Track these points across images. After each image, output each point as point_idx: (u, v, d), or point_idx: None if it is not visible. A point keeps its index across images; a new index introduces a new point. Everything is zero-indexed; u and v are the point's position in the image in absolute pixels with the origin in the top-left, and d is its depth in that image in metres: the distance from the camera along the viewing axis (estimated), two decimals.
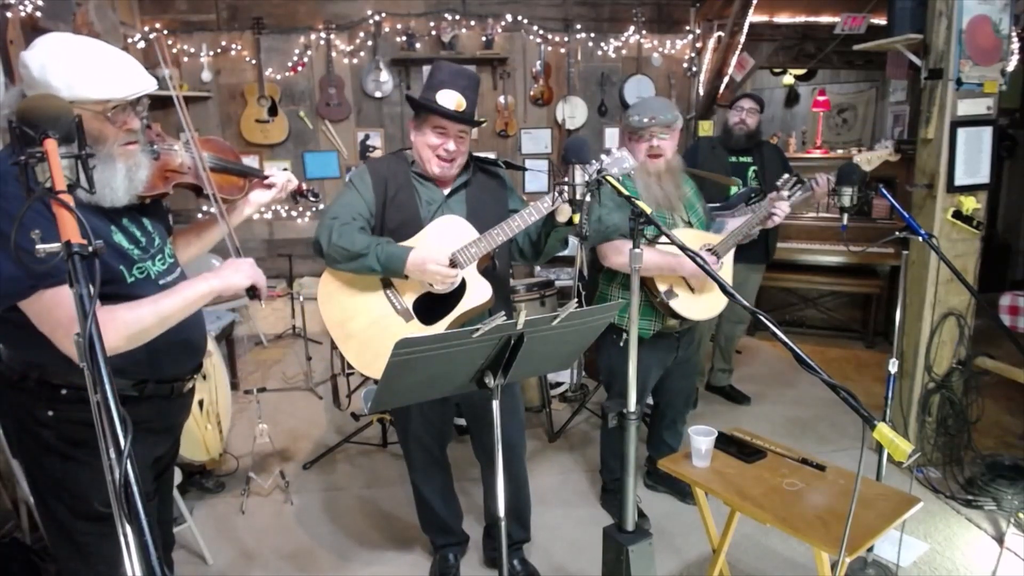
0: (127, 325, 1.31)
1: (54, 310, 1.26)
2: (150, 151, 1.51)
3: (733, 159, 3.59)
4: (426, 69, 5.28)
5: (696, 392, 3.91)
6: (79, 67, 1.31)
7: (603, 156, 1.84)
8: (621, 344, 2.51)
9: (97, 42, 1.38)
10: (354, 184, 2.07)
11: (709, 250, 2.45)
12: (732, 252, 2.52)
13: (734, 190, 3.46)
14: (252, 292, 1.50)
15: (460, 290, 1.96)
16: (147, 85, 1.40)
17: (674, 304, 2.39)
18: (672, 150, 2.48)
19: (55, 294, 1.25)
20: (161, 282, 1.50)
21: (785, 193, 2.47)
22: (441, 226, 2.00)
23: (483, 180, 2.16)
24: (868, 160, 2.75)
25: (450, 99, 1.96)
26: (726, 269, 2.51)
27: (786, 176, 2.54)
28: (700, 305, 2.45)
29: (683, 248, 1.63)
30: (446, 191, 2.09)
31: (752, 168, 3.56)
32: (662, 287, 2.39)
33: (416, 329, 1.96)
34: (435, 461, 2.34)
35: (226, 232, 1.67)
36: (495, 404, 1.49)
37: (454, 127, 1.98)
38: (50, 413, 1.39)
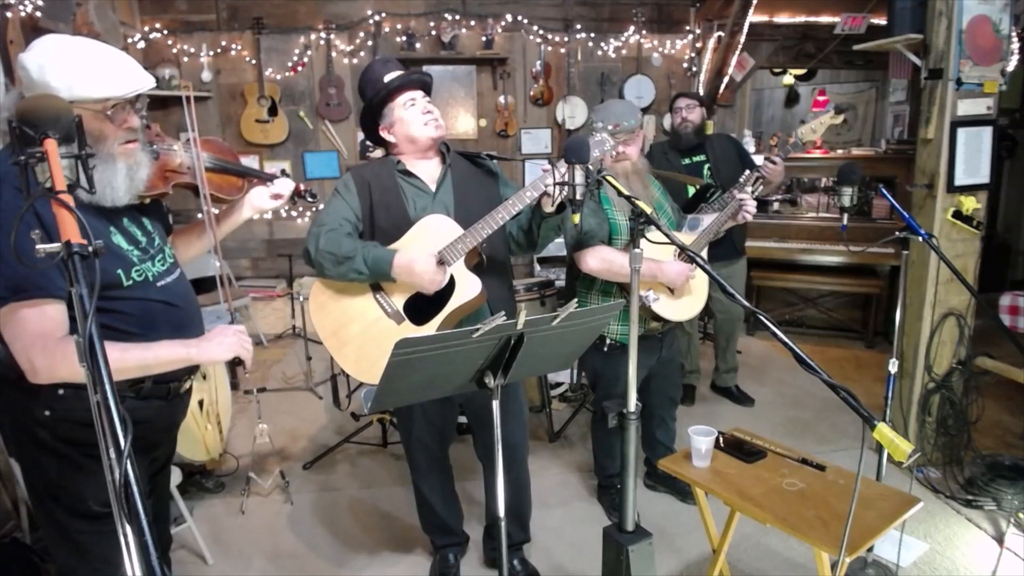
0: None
1: (20, 325, 1.27)
2: (150, 151, 1.52)
3: (687, 160, 3.58)
4: (426, 69, 5.29)
5: (693, 391, 3.92)
6: (78, 67, 1.31)
7: (587, 140, 1.84)
8: (605, 349, 2.54)
9: (94, 42, 1.38)
10: (339, 192, 2.09)
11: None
12: (705, 252, 2.54)
13: (691, 191, 3.46)
14: (236, 361, 1.51)
15: (449, 287, 1.96)
16: (145, 83, 1.41)
17: (655, 307, 2.40)
18: (636, 153, 2.52)
19: (23, 309, 1.26)
20: (159, 283, 1.50)
21: (749, 189, 2.50)
22: (425, 225, 2.00)
23: (469, 171, 2.16)
24: (812, 129, 2.76)
25: (393, 76, 2.04)
26: (702, 271, 2.52)
27: (748, 173, 2.57)
28: (679, 306, 2.47)
29: (683, 248, 1.63)
30: (433, 186, 2.09)
31: (707, 166, 3.56)
32: (642, 291, 2.39)
33: (409, 330, 1.96)
34: (437, 462, 2.34)
35: (212, 242, 1.68)
36: (495, 404, 1.49)
37: (417, 93, 2.05)
38: (47, 413, 1.39)
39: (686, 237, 2.50)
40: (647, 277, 2.38)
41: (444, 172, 2.11)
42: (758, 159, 4.34)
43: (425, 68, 5.28)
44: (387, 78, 2.03)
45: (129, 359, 1.35)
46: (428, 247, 1.95)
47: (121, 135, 1.40)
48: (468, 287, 1.96)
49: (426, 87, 2.10)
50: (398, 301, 2.00)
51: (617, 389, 2.55)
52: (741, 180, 2.59)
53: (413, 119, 2.04)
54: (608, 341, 2.53)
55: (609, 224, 2.46)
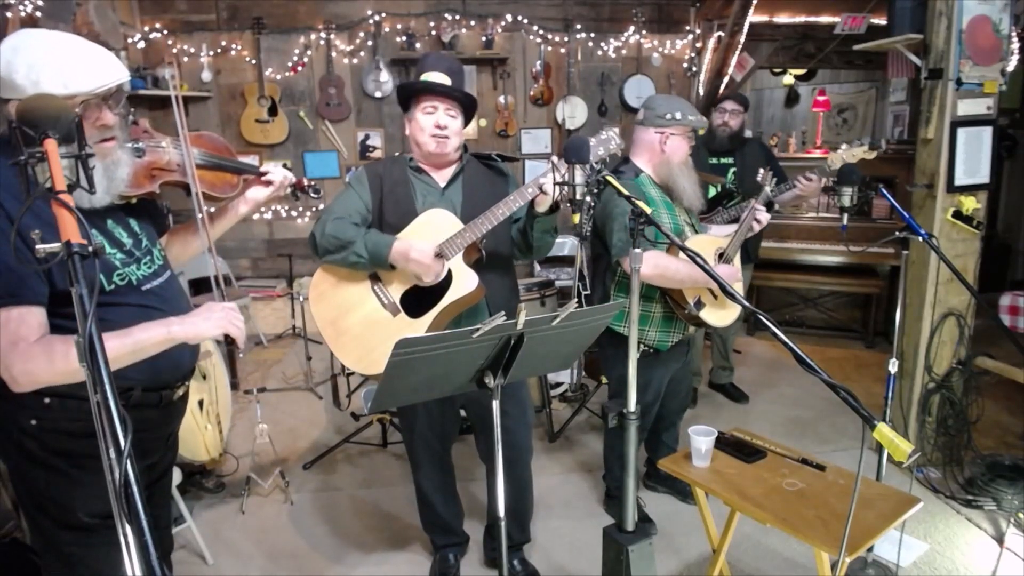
0: (64, 359, 1.23)
1: None
2: (134, 149, 1.46)
3: (714, 160, 3.60)
4: None
5: (695, 392, 3.91)
6: (43, 62, 1.25)
7: (591, 139, 1.82)
8: (639, 356, 2.45)
9: (65, 36, 1.32)
10: (351, 185, 2.13)
11: (721, 255, 2.45)
12: (739, 256, 2.52)
13: (712, 191, 3.47)
14: (227, 339, 1.42)
15: (447, 282, 1.97)
16: (116, 77, 1.33)
17: (703, 315, 2.34)
18: None
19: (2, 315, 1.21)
20: (145, 287, 1.45)
21: (768, 188, 2.52)
22: (427, 219, 2.02)
23: (480, 171, 2.18)
24: (843, 159, 2.76)
25: (434, 78, 2.04)
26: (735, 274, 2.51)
27: (761, 173, 2.55)
28: (723, 312, 2.42)
29: (682, 248, 1.63)
30: (443, 183, 2.11)
31: (732, 170, 3.57)
32: (690, 298, 2.34)
33: (404, 323, 1.98)
34: (438, 461, 2.34)
35: (206, 243, 1.63)
36: (494, 404, 1.50)
37: (442, 104, 2.03)
38: (33, 422, 1.35)
39: (725, 242, 2.48)
40: (700, 283, 2.31)
41: (456, 171, 2.13)
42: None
43: None
44: (426, 76, 2.03)
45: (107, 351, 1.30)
46: (428, 240, 1.96)
47: (94, 134, 1.33)
48: (465, 282, 1.97)
49: (458, 100, 2.05)
50: (395, 293, 2.02)
51: (645, 398, 2.50)
52: (760, 178, 2.57)
53: (423, 126, 2.04)
54: (642, 347, 2.43)
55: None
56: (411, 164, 2.12)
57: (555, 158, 1.79)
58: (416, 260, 1.91)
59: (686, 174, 2.41)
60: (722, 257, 2.44)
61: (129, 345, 1.29)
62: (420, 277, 1.98)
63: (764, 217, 2.49)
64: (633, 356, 1.73)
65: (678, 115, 2.37)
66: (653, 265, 2.22)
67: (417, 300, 1.99)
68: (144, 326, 1.33)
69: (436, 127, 2.03)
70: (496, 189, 2.15)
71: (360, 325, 2.01)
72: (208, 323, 1.38)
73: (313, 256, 2.06)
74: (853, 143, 2.70)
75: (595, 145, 1.82)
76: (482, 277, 1.99)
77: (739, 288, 2.50)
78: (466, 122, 2.12)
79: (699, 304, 2.34)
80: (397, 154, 2.22)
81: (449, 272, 1.97)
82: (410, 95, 2.08)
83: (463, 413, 2.38)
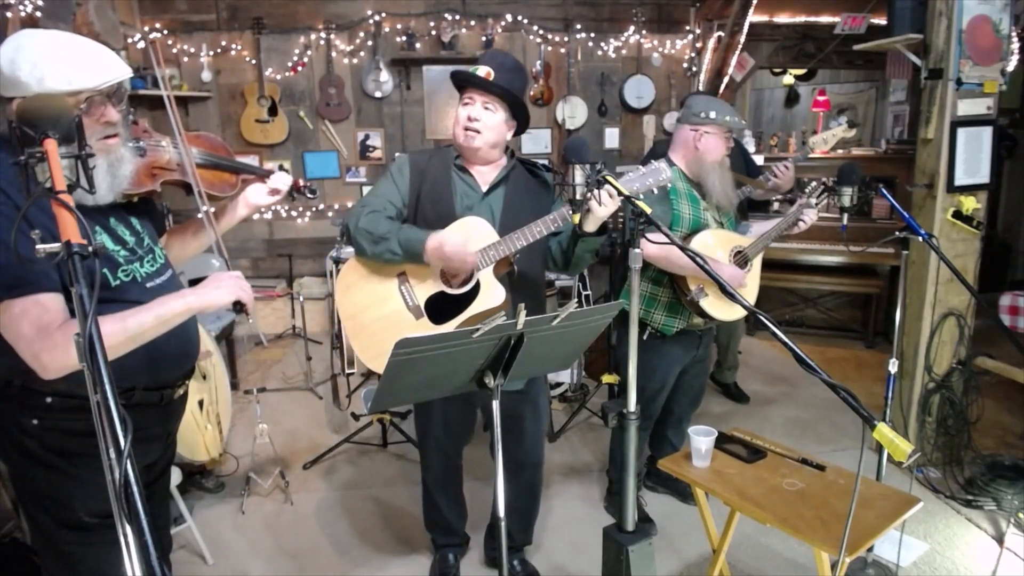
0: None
1: (19, 322, 1.22)
2: (135, 147, 1.47)
3: None
4: (426, 69, 5.29)
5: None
6: (47, 59, 1.26)
7: (640, 167, 1.80)
8: (644, 338, 2.48)
9: (68, 34, 1.33)
10: (392, 174, 2.09)
11: (738, 253, 2.44)
12: (760, 257, 2.51)
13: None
14: (238, 307, 1.43)
15: (474, 292, 1.95)
16: (119, 73, 1.34)
17: (704, 303, 2.36)
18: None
19: (19, 305, 1.22)
20: (149, 285, 1.46)
21: (813, 200, 2.48)
22: (462, 225, 1.99)
23: (525, 180, 2.13)
24: (824, 140, 2.75)
25: (480, 71, 2.01)
26: (754, 272, 2.50)
27: (813, 184, 2.55)
28: (728, 306, 2.42)
29: (679, 246, 1.63)
30: (485, 187, 2.07)
31: None
32: (693, 286, 2.36)
33: (425, 327, 1.95)
34: (450, 463, 2.34)
35: (212, 238, 1.63)
36: (494, 404, 1.49)
37: (481, 98, 2.00)
38: (34, 422, 1.35)
39: (745, 240, 2.48)
40: (700, 273, 2.35)
41: (500, 177, 2.09)
42: (758, 158, 4.37)
43: (425, 68, 5.28)
44: (472, 68, 2.01)
45: (131, 326, 1.28)
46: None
47: (98, 130, 1.34)
48: (492, 295, 1.94)
49: (498, 96, 2.00)
50: (421, 295, 1.99)
51: (651, 384, 2.53)
52: (807, 190, 2.57)
53: (458, 117, 2.03)
54: (648, 330, 2.48)
55: (672, 215, 2.42)
56: (456, 162, 2.08)
57: (605, 176, 1.73)
58: (451, 253, 1.86)
59: (718, 173, 2.43)
60: (739, 255, 2.44)
61: (152, 319, 1.31)
62: (452, 274, 1.94)
63: (811, 216, 2.47)
64: (633, 354, 1.72)
65: (713, 114, 2.40)
66: (659, 246, 2.26)
67: (442, 306, 1.97)
68: (162, 300, 1.35)
69: (468, 119, 2.00)
70: (539, 202, 2.10)
71: (381, 323, 1.99)
72: (220, 291, 1.41)
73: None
74: (831, 124, 2.71)
75: (643, 175, 1.80)
76: (511, 291, 1.96)
77: (750, 290, 2.49)
78: (521, 128, 2.09)
79: (701, 292, 2.36)
80: (445, 146, 2.17)
81: (477, 283, 1.95)
82: (457, 86, 2.07)
83: (480, 414, 2.36)
